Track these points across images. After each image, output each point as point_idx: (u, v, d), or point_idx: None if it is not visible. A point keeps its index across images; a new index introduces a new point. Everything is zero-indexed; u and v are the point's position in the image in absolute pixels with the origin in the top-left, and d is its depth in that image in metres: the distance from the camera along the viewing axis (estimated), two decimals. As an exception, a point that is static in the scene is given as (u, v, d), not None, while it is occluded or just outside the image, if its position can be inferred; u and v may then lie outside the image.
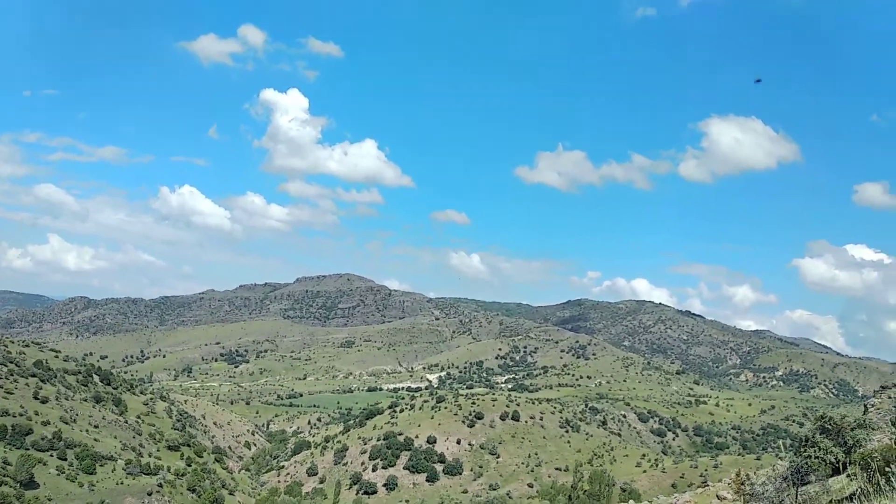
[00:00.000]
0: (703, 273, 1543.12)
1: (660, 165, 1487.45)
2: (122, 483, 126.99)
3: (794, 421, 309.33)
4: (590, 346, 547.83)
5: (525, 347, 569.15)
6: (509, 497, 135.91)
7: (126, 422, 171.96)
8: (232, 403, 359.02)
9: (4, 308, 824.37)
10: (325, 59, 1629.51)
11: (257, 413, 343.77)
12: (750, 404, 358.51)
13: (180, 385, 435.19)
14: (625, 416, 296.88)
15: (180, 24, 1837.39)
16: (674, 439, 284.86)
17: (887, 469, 16.61)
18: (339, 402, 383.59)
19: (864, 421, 25.21)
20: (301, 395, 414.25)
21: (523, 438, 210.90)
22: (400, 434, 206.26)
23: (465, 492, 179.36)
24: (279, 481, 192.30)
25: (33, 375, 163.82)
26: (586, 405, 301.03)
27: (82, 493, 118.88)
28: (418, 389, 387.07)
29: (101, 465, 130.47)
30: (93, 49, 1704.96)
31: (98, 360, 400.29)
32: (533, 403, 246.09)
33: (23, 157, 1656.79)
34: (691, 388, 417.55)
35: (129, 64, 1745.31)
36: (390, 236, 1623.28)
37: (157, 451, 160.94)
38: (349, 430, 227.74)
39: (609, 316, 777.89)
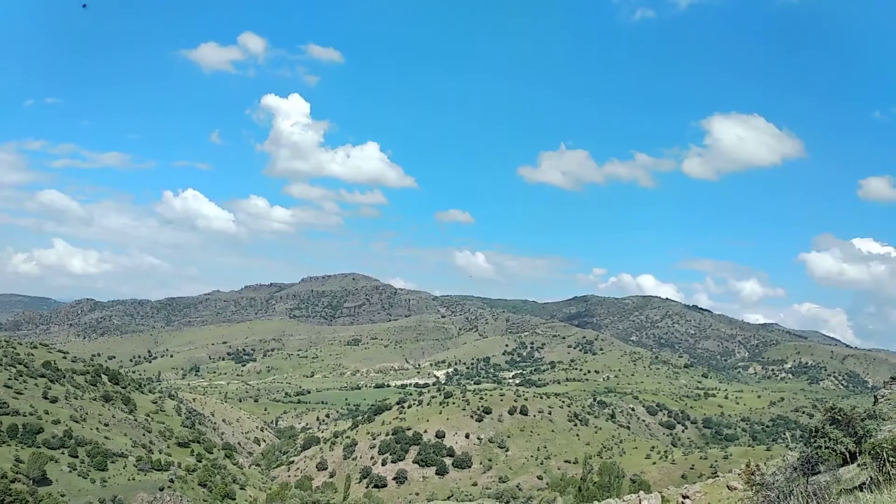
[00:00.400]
0: (709, 268, 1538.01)
1: (663, 163, 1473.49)
2: (133, 479, 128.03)
3: (803, 412, 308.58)
4: (597, 342, 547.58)
5: (532, 343, 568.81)
6: (519, 489, 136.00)
7: (136, 420, 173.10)
8: (240, 401, 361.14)
9: (12, 310, 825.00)
10: (325, 64, 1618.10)
11: (266, 410, 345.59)
12: (759, 396, 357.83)
13: (188, 384, 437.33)
14: (633, 410, 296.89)
15: (181, 33, 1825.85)
16: (683, 431, 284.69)
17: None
18: (346, 399, 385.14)
19: (875, 411, 25.06)
20: (309, 392, 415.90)
21: (532, 432, 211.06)
22: (408, 429, 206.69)
23: (475, 484, 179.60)
24: (289, 476, 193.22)
25: (42, 376, 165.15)
26: (594, 399, 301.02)
27: (94, 489, 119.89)
28: (426, 386, 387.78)
29: (113, 462, 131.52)
30: (94, 59, 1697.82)
31: (106, 361, 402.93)
32: (541, 398, 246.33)
33: (27, 164, 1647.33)
34: (700, 382, 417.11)
35: (130, 73, 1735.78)
36: (395, 236, 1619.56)
37: (168, 447, 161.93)
38: (358, 426, 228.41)
39: (616, 311, 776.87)
